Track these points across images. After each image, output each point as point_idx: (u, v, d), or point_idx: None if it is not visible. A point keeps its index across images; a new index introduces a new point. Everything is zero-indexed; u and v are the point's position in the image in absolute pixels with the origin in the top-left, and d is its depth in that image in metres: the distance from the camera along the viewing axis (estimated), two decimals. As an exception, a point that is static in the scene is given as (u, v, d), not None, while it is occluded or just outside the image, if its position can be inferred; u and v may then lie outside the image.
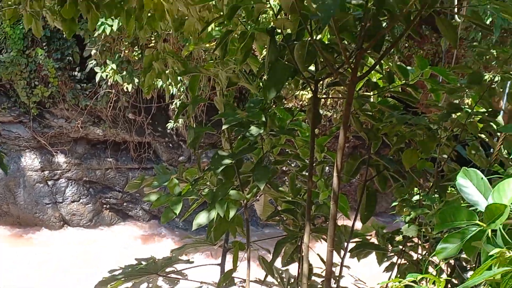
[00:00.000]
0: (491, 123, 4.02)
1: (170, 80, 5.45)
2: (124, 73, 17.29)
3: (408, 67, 4.45)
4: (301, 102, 17.38)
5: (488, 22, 12.44)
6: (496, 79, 4.25)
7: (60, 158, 20.13)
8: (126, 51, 17.12)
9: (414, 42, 16.17)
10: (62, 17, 4.91)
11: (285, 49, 3.88)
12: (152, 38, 15.42)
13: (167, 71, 5.42)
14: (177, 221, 19.24)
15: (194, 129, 4.45)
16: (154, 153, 20.78)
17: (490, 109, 4.06)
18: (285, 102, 16.96)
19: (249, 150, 4.37)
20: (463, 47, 14.69)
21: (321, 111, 16.54)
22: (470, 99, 4.39)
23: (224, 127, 4.20)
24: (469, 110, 4.04)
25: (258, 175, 4.18)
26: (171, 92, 15.61)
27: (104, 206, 20.87)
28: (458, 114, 4.06)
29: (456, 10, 3.97)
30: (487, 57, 4.30)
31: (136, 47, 17.02)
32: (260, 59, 4.98)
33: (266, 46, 3.94)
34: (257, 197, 4.95)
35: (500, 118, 4.02)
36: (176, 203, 4.36)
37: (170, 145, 20.48)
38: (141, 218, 20.97)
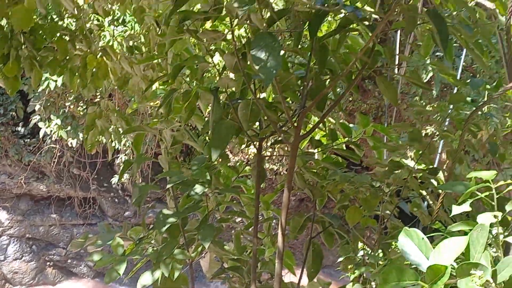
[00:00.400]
0: (432, 180, 4.10)
1: (113, 138, 5.43)
2: (69, 128, 17.10)
3: (351, 124, 4.53)
4: (247, 156, 17.42)
5: (429, 77, 12.76)
6: (438, 133, 4.35)
7: (2, 215, 19.63)
8: (71, 106, 16.97)
9: (358, 96, 16.44)
10: (4, 75, 4.87)
11: (229, 108, 3.91)
12: (98, 93, 15.35)
13: (110, 128, 5.40)
14: (123, 277, 18.88)
15: (139, 187, 4.42)
16: (100, 209, 20.47)
17: (431, 166, 4.14)
18: (232, 156, 17.00)
19: (194, 209, 4.34)
20: (405, 102, 14.98)
21: (267, 165, 16.63)
22: (413, 152, 4.47)
23: (168, 186, 4.19)
24: (411, 167, 4.11)
25: (203, 233, 4.15)
26: (116, 147, 15.49)
27: (48, 263, 20.36)
28: (400, 170, 4.13)
29: (396, 70, 4.07)
30: (429, 111, 4.41)
31: (81, 102, 16.89)
32: (206, 113, 5.00)
33: (210, 105, 3.96)
34: (203, 254, 4.91)
35: (440, 175, 4.10)
36: (119, 263, 4.30)
37: (116, 200, 20.22)
38: (85, 275, 20.51)
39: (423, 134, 12.29)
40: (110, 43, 6.56)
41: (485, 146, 4.29)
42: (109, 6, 5.36)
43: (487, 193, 2.74)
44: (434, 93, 13.51)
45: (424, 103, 13.92)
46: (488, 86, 3.91)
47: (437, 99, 14.06)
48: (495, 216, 2.60)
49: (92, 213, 20.24)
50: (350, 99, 16.46)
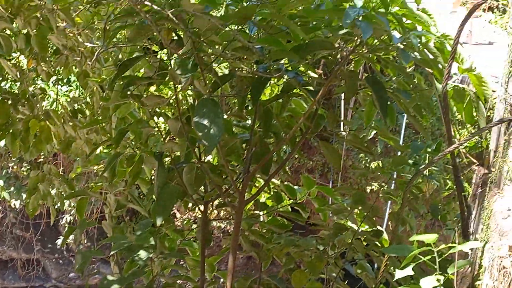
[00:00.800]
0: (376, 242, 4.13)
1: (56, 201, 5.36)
2: (12, 189, 16.77)
3: (296, 186, 4.55)
4: (195, 214, 17.29)
5: (373, 133, 12.94)
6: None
7: None
8: (14, 167, 16.68)
9: (304, 153, 16.56)
10: None
11: (173, 172, 3.90)
12: (42, 153, 15.11)
13: (53, 192, 5.32)
14: None
15: (82, 254, 4.34)
16: (43, 270, 19.96)
17: (374, 228, 4.17)
18: (179, 215, 16.86)
19: (138, 274, 4.27)
20: (350, 158, 15.14)
21: (214, 223, 16.54)
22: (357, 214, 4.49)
23: (112, 252, 4.13)
24: (355, 229, 4.14)
25: (148, 299, 4.10)
26: (62, 208, 15.21)
27: (-12, 328, 19.72)
28: (345, 233, 4.15)
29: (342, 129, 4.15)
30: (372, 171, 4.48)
31: (24, 162, 16.62)
32: (152, 172, 4.97)
33: (155, 169, 3.95)
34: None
35: (385, 236, 4.13)
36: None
37: (60, 261, 19.76)
38: None
39: (369, 191, 12.32)
40: (54, 104, 6.52)
41: (429, 201, 4.36)
42: (53, 69, 5.33)
43: (429, 256, 2.77)
44: (378, 150, 13.71)
45: (368, 160, 14.09)
46: (429, 149, 4.00)
47: (381, 156, 14.25)
48: (437, 280, 2.62)
49: (36, 275, 19.72)
50: (296, 156, 16.56)
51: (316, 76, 3.63)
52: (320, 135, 3.86)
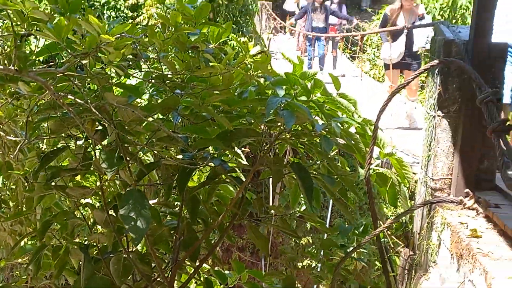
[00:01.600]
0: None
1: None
2: None
3: (227, 271, 4.52)
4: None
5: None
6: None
7: None
8: None
9: (234, 232, 16.51)
10: None
11: (101, 263, 3.83)
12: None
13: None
14: None
15: None
16: None
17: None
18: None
19: None
20: (281, 235, 15.16)
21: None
22: None
23: None
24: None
25: None
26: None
27: None
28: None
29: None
30: (303, 244, 4.50)
31: None
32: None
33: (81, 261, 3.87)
34: None
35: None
36: None
37: None
38: None
39: (300, 266, 12.30)
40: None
41: (360, 276, 4.38)
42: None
43: None
44: (308, 226, 13.83)
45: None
46: (356, 232, 4.05)
47: (312, 231, 14.35)
48: None
49: None
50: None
51: (244, 162, 3.66)
52: (248, 220, 3.88)
